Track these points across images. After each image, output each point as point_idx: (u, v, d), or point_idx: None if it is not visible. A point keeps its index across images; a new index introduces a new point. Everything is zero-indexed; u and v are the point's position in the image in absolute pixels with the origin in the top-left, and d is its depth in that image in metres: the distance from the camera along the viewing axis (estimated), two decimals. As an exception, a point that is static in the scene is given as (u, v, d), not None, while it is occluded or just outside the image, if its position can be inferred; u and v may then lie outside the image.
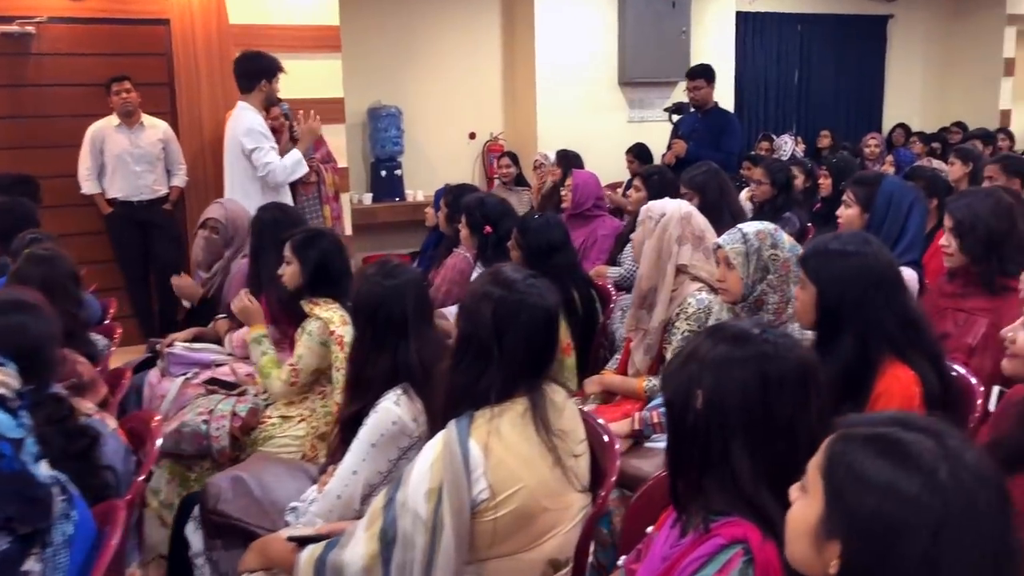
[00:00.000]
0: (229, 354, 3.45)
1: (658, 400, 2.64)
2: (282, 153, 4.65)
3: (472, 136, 7.73)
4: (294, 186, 5.10)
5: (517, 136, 7.63)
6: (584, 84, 7.44)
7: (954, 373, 2.20)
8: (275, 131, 4.87)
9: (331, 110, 5.80)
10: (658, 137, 6.60)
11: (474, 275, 3.63)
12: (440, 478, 1.64)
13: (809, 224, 4.83)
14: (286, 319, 3.09)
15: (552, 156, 6.43)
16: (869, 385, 2.02)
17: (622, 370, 3.06)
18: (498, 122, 7.79)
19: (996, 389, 2.37)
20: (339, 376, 2.67)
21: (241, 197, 4.49)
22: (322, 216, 5.53)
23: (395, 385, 2.05)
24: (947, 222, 2.86)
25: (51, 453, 1.58)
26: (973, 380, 2.22)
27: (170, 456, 2.93)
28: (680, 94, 6.60)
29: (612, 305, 3.49)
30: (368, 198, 7.19)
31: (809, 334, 2.23)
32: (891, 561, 0.93)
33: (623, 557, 1.66)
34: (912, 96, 10.22)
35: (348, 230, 6.24)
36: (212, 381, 3.18)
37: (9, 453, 1.46)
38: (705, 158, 4.89)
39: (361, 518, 1.76)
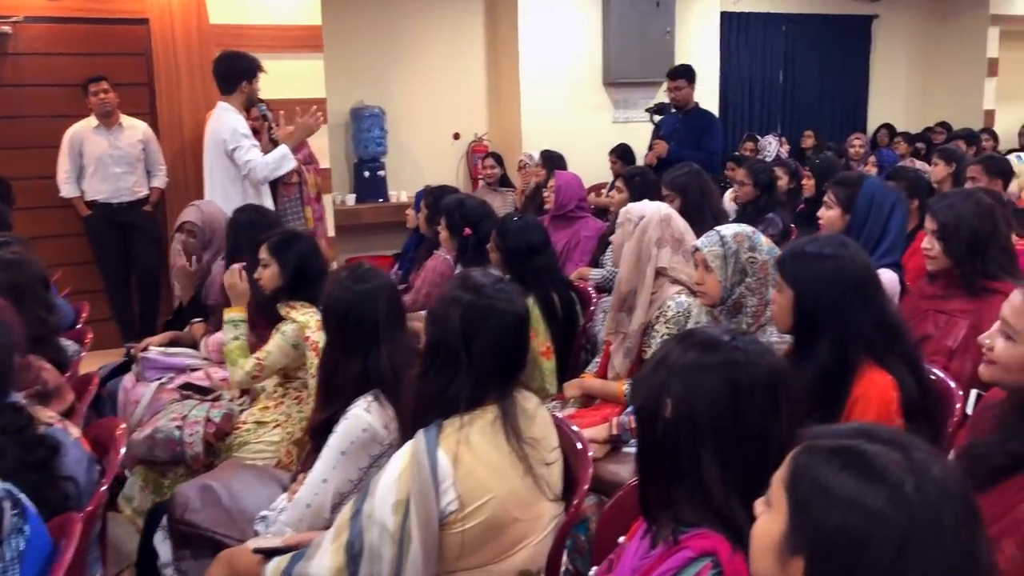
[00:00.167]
0: (205, 359, 3.41)
1: (636, 405, 2.61)
2: (264, 154, 4.60)
3: (456, 137, 7.69)
4: (275, 187, 5.05)
5: (502, 137, 7.60)
6: (568, 84, 7.41)
7: (932, 377, 2.18)
8: (255, 132, 4.81)
9: (313, 107, 5.76)
10: (643, 137, 6.58)
11: (454, 277, 3.59)
12: (407, 489, 1.60)
13: (792, 225, 4.81)
14: (263, 322, 3.05)
15: (537, 157, 6.40)
16: (846, 389, 2.00)
17: (602, 373, 3.03)
18: (482, 122, 7.76)
19: (974, 393, 2.36)
20: (314, 382, 2.63)
21: (222, 198, 4.44)
22: (304, 217, 5.48)
23: (366, 391, 2.01)
24: (929, 225, 2.84)
25: (7, 464, 1.54)
26: (952, 384, 2.20)
27: (144, 463, 2.89)
28: (665, 94, 6.58)
29: (592, 307, 3.45)
30: (351, 199, 7.15)
31: (788, 338, 2.22)
32: None
33: (594, 568, 1.63)
34: (896, 96, 10.25)
35: (331, 231, 6.21)
36: (187, 386, 3.14)
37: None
38: (687, 158, 4.87)
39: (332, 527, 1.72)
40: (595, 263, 4.42)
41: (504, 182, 6.72)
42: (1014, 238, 3.51)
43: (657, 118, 6.04)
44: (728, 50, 8.88)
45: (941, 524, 0.89)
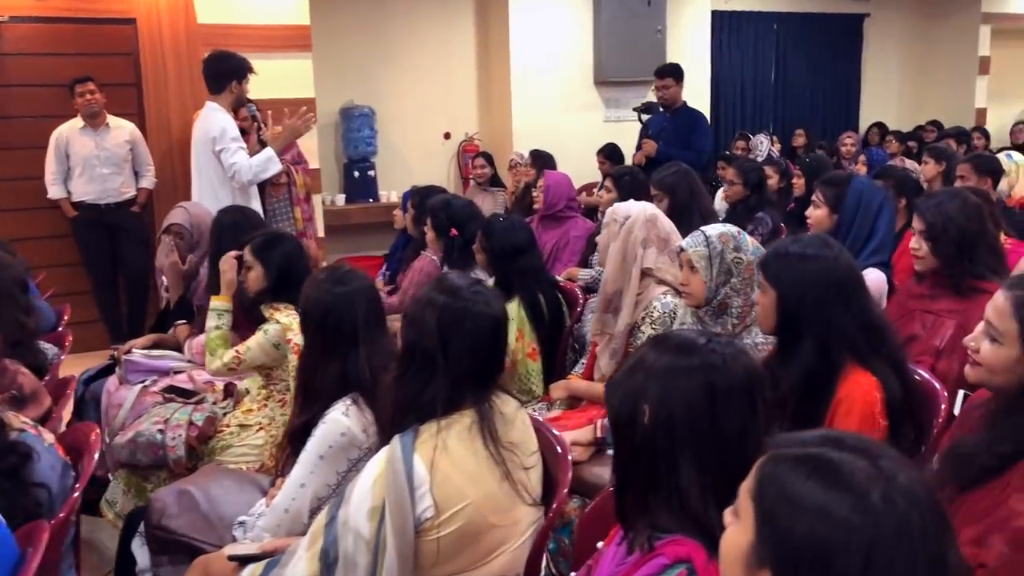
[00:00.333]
0: (189, 361, 3.38)
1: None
2: (251, 155, 4.57)
3: (447, 136, 7.67)
4: (263, 188, 5.02)
5: (492, 136, 7.58)
6: (559, 83, 7.39)
7: (917, 377, 2.16)
8: (243, 132, 4.79)
9: (302, 108, 5.74)
10: (634, 136, 6.53)
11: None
12: (383, 496, 1.58)
13: (782, 224, 4.80)
14: (247, 324, 3.03)
15: (527, 156, 6.38)
16: (830, 390, 1.98)
17: (588, 374, 3.02)
18: (473, 122, 7.73)
19: (961, 393, 2.35)
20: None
21: (210, 199, 4.42)
22: (293, 218, 5.45)
23: (345, 395, 1.99)
24: (917, 224, 2.83)
25: (-24, 472, 1.51)
26: (937, 385, 2.18)
27: (126, 466, 2.87)
28: (653, 93, 6.57)
29: (580, 308, 3.43)
30: (341, 199, 7.13)
31: (773, 339, 2.20)
32: None
33: (573, 574, 1.61)
34: (888, 95, 10.25)
35: (321, 232, 6.18)
36: (170, 389, 3.11)
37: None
38: (675, 157, 4.86)
39: (311, 532, 1.69)
40: (584, 263, 4.40)
41: (495, 182, 6.70)
42: (1003, 237, 3.51)
43: (645, 117, 6.02)
44: (719, 49, 8.87)
45: (909, 532, 0.87)
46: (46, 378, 2.59)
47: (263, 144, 4.78)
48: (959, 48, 9.75)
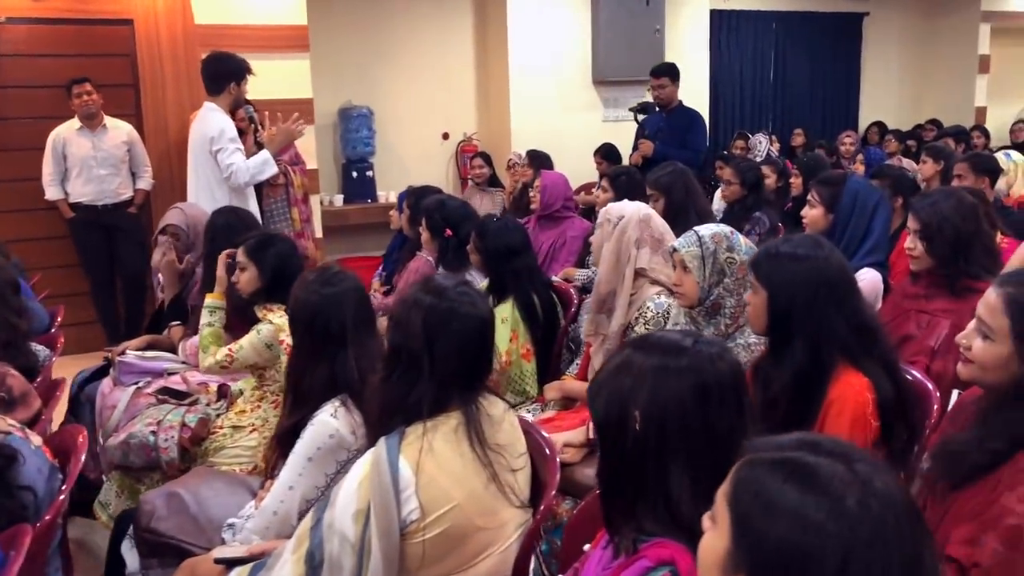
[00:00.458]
0: (183, 362, 3.37)
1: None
2: (248, 156, 4.56)
3: (445, 136, 7.66)
4: (260, 188, 5.02)
5: (491, 136, 7.57)
6: (558, 83, 7.38)
7: (910, 377, 2.15)
8: (241, 133, 4.78)
9: (300, 111, 5.70)
10: (632, 136, 6.55)
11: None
12: (368, 498, 1.57)
13: (780, 224, 4.78)
14: (240, 326, 3.02)
15: (525, 156, 6.37)
16: (822, 391, 1.97)
17: (583, 375, 3.01)
18: (471, 122, 7.72)
19: (955, 393, 2.33)
20: (287, 387, 2.60)
21: (207, 199, 4.42)
22: (290, 219, 5.45)
23: (334, 396, 1.98)
24: (912, 224, 2.82)
25: (-39, 475, 1.50)
26: (930, 385, 2.17)
27: (120, 468, 2.86)
28: (649, 93, 6.55)
29: (573, 308, 3.42)
30: (339, 200, 7.12)
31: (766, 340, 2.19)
32: None
33: (559, 576, 1.61)
34: (888, 94, 10.23)
35: (319, 232, 6.18)
36: (163, 390, 3.10)
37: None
38: (672, 157, 4.85)
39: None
40: (581, 263, 4.39)
41: (493, 182, 6.69)
42: (1000, 237, 3.50)
43: (641, 117, 6.01)
44: (718, 48, 8.86)
45: (884, 536, 0.87)
46: (38, 380, 2.58)
47: (260, 146, 4.78)
48: (959, 47, 9.73)
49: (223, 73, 4.55)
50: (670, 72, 5.77)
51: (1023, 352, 1.61)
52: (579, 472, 2.44)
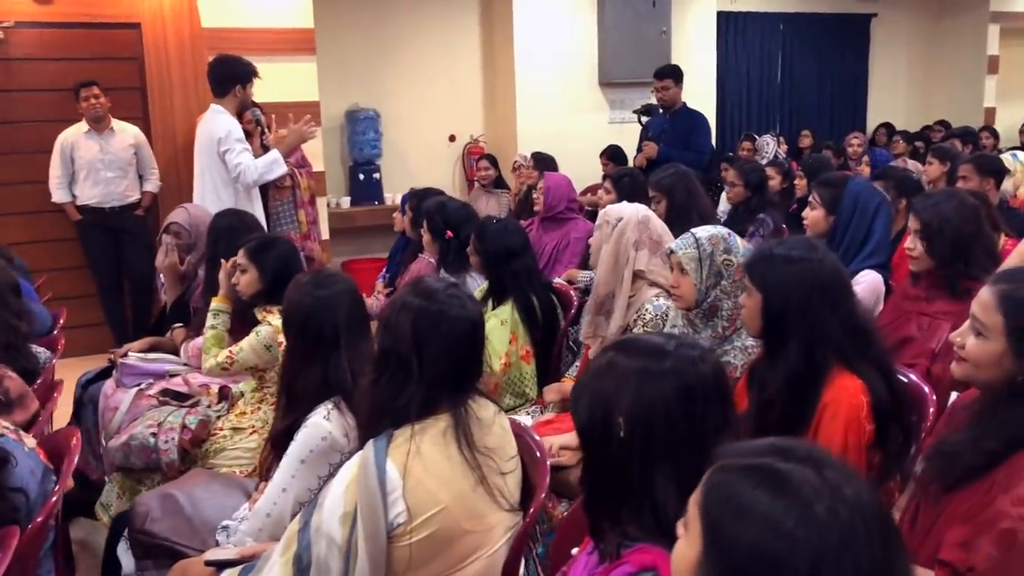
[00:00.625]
0: (184, 364, 3.38)
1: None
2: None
3: (452, 138, 7.67)
4: (266, 191, 5.04)
5: (497, 138, 7.57)
6: (564, 85, 7.37)
7: (905, 380, 2.14)
8: (247, 135, 4.80)
9: (307, 114, 5.74)
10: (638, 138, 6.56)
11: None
12: (355, 501, 1.57)
13: (784, 225, 4.77)
14: (240, 328, 3.04)
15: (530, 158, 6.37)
16: (816, 394, 1.96)
17: (582, 377, 3.00)
18: (478, 124, 7.73)
19: (954, 395, 2.32)
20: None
21: (213, 201, 4.44)
22: (297, 221, 5.46)
23: (327, 399, 1.98)
24: (913, 224, 2.81)
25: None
26: (926, 388, 2.16)
27: (121, 470, 2.88)
28: (652, 95, 6.55)
29: (573, 310, 3.42)
30: (346, 202, 7.14)
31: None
32: None
33: (548, 581, 1.60)
34: (896, 95, 10.18)
35: (325, 234, 6.19)
36: (165, 392, 3.12)
37: None
38: (677, 159, 4.84)
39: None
40: (585, 265, 4.38)
41: (499, 184, 6.70)
42: (1005, 239, 3.48)
43: (645, 119, 6.00)
44: (725, 50, 8.84)
45: (854, 543, 0.86)
46: (38, 381, 2.60)
47: (266, 148, 4.80)
48: (968, 47, 9.68)
49: (228, 76, 4.58)
50: (673, 74, 5.77)
51: (1016, 349, 1.60)
52: (576, 475, 2.43)
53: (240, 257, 2.92)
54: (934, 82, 10.13)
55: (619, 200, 3.88)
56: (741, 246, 2.51)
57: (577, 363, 3.13)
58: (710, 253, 2.46)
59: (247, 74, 4.61)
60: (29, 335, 2.81)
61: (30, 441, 1.92)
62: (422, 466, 1.60)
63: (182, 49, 5.73)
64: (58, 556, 1.98)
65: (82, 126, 5.46)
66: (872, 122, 9.83)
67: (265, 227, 4.77)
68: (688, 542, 0.96)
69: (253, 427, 2.84)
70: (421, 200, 4.07)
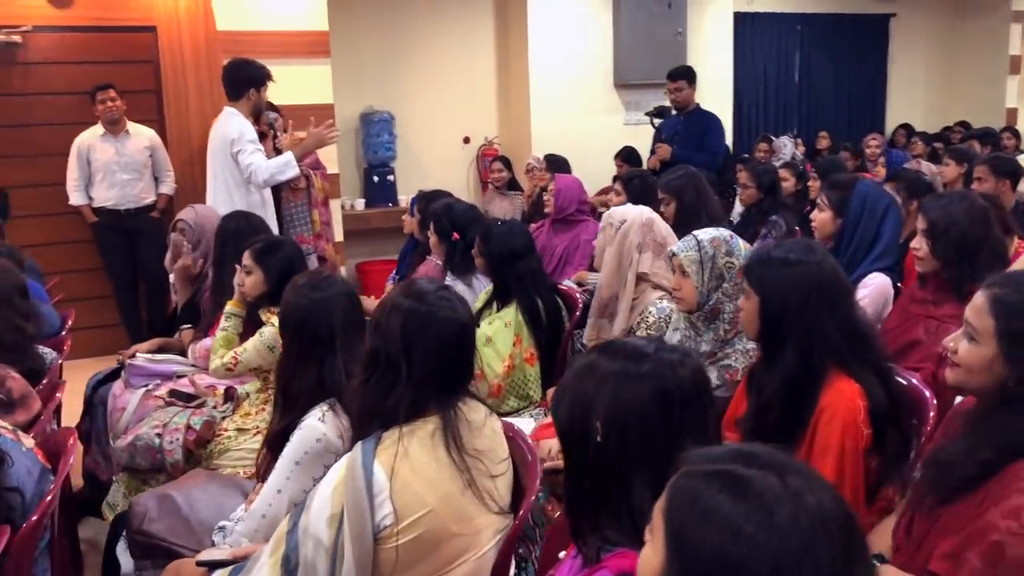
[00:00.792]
0: (192, 365, 3.41)
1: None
2: (266, 160, 4.61)
3: (466, 140, 7.67)
4: (280, 193, 5.06)
5: (512, 140, 7.57)
6: (579, 86, 7.35)
7: (904, 383, 2.11)
8: (261, 137, 4.83)
9: (321, 116, 5.76)
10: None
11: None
12: (342, 503, 1.57)
13: (797, 227, 4.73)
14: (247, 330, 3.05)
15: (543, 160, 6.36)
16: (814, 397, 1.95)
17: (586, 380, 2.98)
18: (492, 126, 7.73)
19: (958, 400, 2.29)
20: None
21: (224, 202, 4.47)
22: (311, 222, 5.47)
23: (322, 400, 1.99)
24: (920, 223, 2.77)
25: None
26: (927, 392, 2.13)
27: (127, 470, 2.90)
28: (665, 96, 6.53)
29: (578, 312, 3.40)
30: (361, 204, 7.16)
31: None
32: None
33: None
34: (915, 96, 10.08)
35: (340, 236, 6.21)
36: (172, 393, 3.14)
37: None
38: (690, 160, 4.83)
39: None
40: (595, 267, 4.37)
41: (513, 186, 6.70)
42: (1019, 242, 3.43)
43: (658, 121, 5.98)
44: (742, 51, 8.78)
45: (814, 551, 0.85)
46: (43, 382, 2.62)
47: (278, 152, 4.82)
48: (989, 47, 9.56)
49: (242, 79, 4.61)
50: (687, 75, 5.75)
51: (1008, 353, 1.57)
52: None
53: (245, 259, 2.94)
54: (954, 83, 10.02)
55: (630, 202, 3.87)
56: (743, 249, 2.49)
57: (581, 366, 3.11)
58: (712, 255, 2.45)
59: (261, 78, 4.64)
60: (36, 336, 2.83)
61: (28, 441, 1.94)
62: (410, 468, 1.60)
63: (197, 52, 5.77)
64: (54, 556, 1.99)
65: (98, 129, 5.52)
66: (891, 123, 9.74)
67: (277, 229, 4.80)
68: (652, 548, 0.95)
69: (257, 428, 2.85)
70: (429, 202, 4.08)
